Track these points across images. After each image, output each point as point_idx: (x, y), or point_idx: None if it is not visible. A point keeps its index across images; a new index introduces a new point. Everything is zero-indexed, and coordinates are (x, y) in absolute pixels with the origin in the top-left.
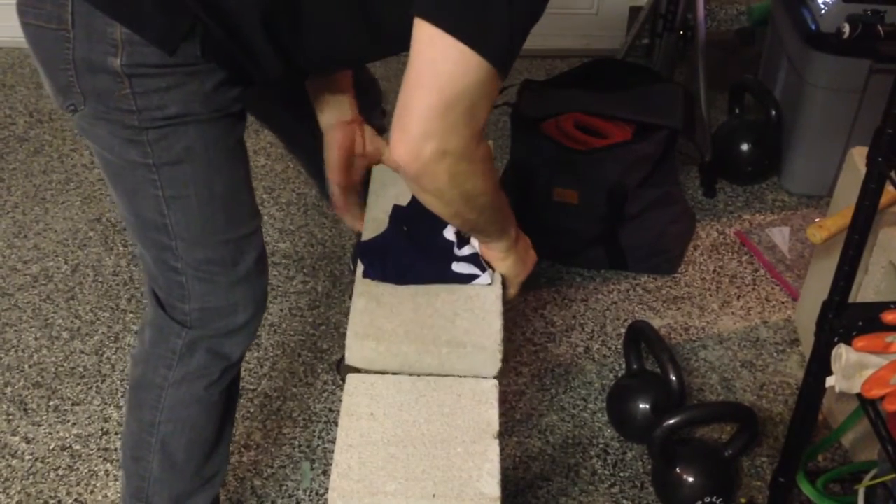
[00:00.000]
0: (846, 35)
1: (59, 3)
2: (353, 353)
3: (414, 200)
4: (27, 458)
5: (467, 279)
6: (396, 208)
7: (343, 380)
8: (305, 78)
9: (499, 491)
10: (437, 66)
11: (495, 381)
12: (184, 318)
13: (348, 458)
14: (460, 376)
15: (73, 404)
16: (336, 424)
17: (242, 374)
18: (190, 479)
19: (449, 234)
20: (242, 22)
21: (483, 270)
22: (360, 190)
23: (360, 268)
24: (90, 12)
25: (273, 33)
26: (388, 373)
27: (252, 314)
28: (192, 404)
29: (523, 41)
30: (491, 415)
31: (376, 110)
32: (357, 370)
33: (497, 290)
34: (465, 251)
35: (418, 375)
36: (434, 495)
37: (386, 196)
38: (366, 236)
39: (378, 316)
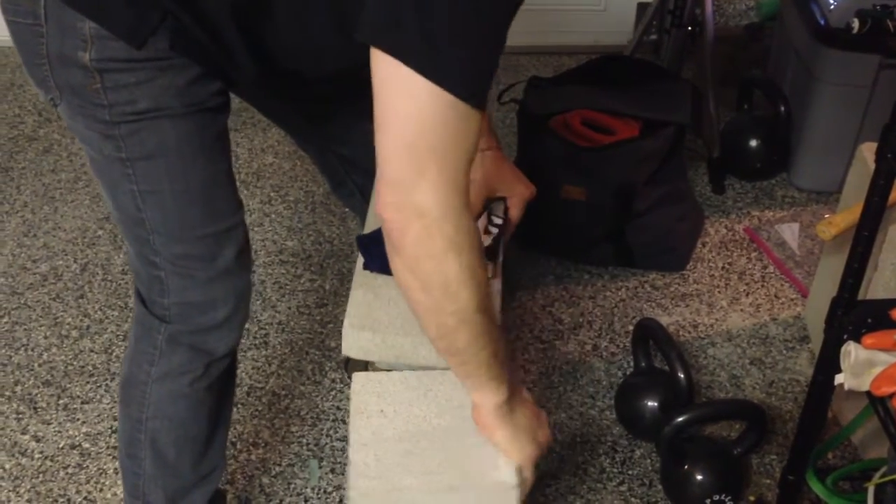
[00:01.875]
0: (855, 30)
1: None
2: (349, 343)
3: None
4: (37, 456)
5: None
6: None
7: (351, 377)
8: (317, 82)
9: (516, 478)
10: (394, 103)
11: None
12: (163, 312)
13: (364, 456)
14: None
15: (82, 403)
16: (344, 422)
17: (250, 371)
18: (184, 475)
19: None
20: (214, 14)
21: None
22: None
23: (360, 260)
24: (61, 7)
25: (246, 27)
26: (383, 363)
27: (233, 310)
28: (177, 400)
29: (489, 71)
30: None
31: None
32: (357, 363)
33: (496, 285)
34: None
35: (423, 370)
36: (453, 486)
37: None
38: (368, 229)
39: (375, 308)
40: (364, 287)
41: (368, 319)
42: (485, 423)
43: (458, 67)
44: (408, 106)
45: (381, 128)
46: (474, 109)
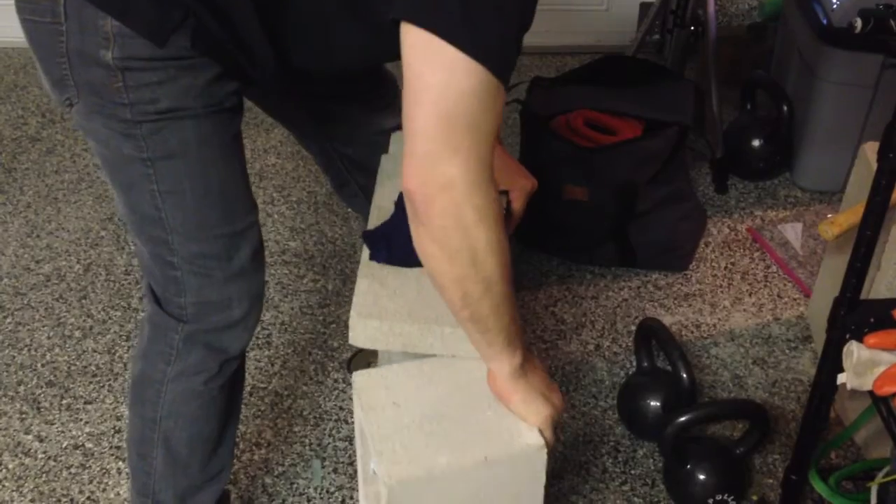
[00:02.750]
0: (858, 30)
1: None
2: (357, 332)
3: None
4: (40, 456)
5: None
6: (402, 195)
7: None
8: (327, 80)
9: (542, 439)
10: (426, 77)
11: None
12: (180, 312)
13: (391, 446)
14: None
15: (85, 403)
16: (347, 422)
17: (253, 371)
18: (195, 474)
19: None
20: (235, 12)
21: None
22: None
23: (366, 252)
24: (82, 5)
25: (268, 25)
26: (390, 352)
27: (248, 309)
28: (191, 399)
29: (516, 50)
30: None
31: (393, 108)
32: (360, 363)
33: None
34: None
35: (422, 358)
36: (486, 458)
37: (392, 187)
38: (371, 224)
39: (381, 296)
40: (370, 277)
41: (375, 308)
42: (501, 389)
43: (494, 43)
44: (443, 79)
45: (413, 102)
46: (502, 86)
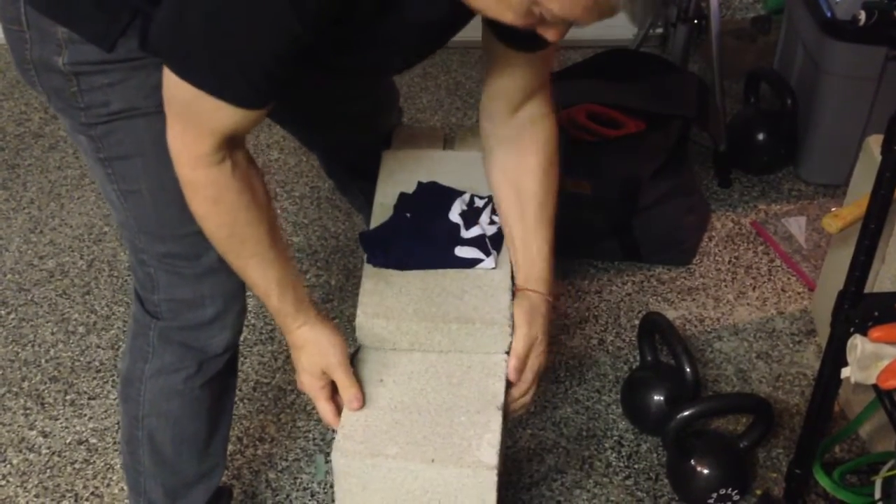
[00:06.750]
0: (862, 22)
1: (16, 6)
2: (364, 331)
3: (419, 187)
4: (44, 451)
5: (470, 263)
6: (403, 196)
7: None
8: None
9: (496, 460)
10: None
11: (504, 356)
12: (155, 309)
13: (354, 420)
14: (471, 353)
15: (89, 398)
16: None
17: (256, 367)
18: (183, 473)
19: (454, 216)
20: None
21: (487, 254)
22: None
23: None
24: (38, 14)
25: None
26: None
27: (222, 307)
28: (172, 398)
29: (240, 69)
30: (497, 387)
31: (394, 110)
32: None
33: (505, 269)
34: (473, 232)
35: (437, 353)
36: (433, 460)
37: (394, 183)
38: (373, 223)
39: (387, 296)
40: (374, 277)
41: (381, 307)
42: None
43: (186, 62)
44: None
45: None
46: (208, 95)
